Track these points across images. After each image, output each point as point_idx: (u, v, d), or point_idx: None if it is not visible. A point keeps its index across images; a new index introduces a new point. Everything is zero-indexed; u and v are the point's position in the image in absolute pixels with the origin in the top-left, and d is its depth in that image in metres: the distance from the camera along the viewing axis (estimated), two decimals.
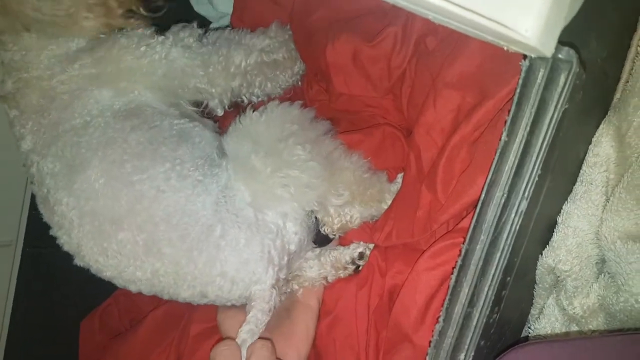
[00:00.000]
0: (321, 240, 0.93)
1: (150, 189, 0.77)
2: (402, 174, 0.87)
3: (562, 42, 0.44)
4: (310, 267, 0.88)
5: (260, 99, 1.00)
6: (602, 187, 0.70)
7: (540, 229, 0.69)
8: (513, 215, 0.50)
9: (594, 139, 0.71)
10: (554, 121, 0.47)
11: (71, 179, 0.77)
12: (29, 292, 1.24)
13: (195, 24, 0.94)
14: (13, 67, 0.84)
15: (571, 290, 0.70)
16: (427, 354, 0.54)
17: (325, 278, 0.89)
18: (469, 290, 0.53)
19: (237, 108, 0.99)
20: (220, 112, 0.97)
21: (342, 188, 0.85)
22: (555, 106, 0.47)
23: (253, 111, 0.85)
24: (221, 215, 0.79)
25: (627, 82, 0.71)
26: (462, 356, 0.53)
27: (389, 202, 0.87)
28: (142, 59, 0.84)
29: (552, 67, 0.47)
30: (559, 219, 0.70)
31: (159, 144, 0.80)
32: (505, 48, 0.44)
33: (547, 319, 0.75)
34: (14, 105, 0.83)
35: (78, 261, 0.80)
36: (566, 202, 0.71)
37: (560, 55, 0.46)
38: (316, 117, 0.88)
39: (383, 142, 0.90)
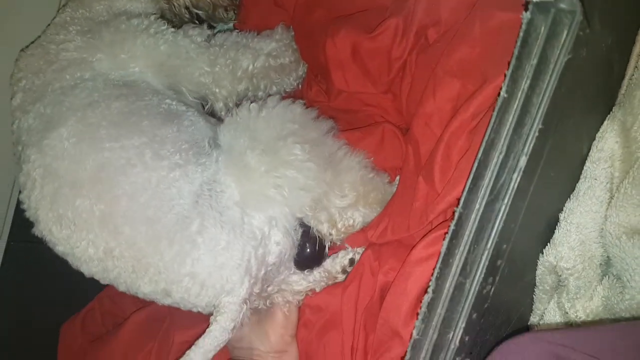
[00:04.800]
0: (304, 261, 0.85)
1: (119, 159, 0.72)
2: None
3: None
4: (297, 281, 0.82)
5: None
6: (607, 183, 0.68)
7: (541, 228, 0.66)
8: (512, 173, 0.47)
9: (597, 135, 0.69)
10: (555, 73, 0.45)
11: (43, 135, 0.74)
12: (11, 287, 1.20)
13: (205, 26, 0.95)
14: (47, 29, 0.85)
15: (574, 291, 0.67)
16: (414, 327, 0.50)
17: (314, 290, 0.84)
18: (460, 258, 0.49)
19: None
20: (224, 115, 0.95)
21: (348, 189, 0.81)
22: (557, 57, 0.45)
23: (251, 103, 0.82)
24: (202, 210, 0.72)
25: (632, 76, 0.70)
26: (451, 331, 0.49)
27: None
28: (147, 36, 0.84)
29: (554, 20, 0.46)
30: (561, 216, 0.67)
31: (142, 117, 0.76)
32: None
33: (548, 326, 0.70)
34: (17, 64, 0.83)
35: (35, 229, 0.75)
36: (569, 200, 0.68)
37: (562, 5, 0.45)
38: (318, 117, 0.85)
39: (383, 141, 0.88)
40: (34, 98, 0.79)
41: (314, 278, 0.83)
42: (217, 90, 0.92)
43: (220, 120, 0.93)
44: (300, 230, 0.81)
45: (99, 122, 0.74)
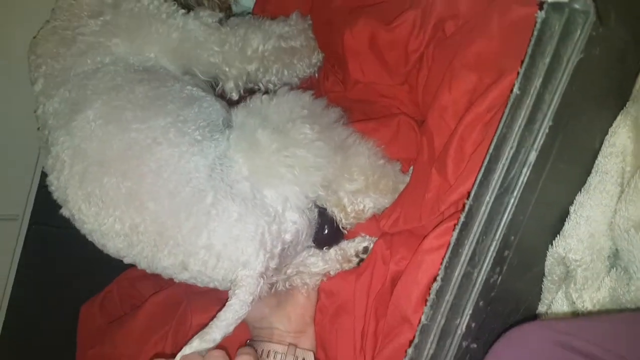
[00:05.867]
0: (324, 241, 0.89)
1: (145, 139, 0.74)
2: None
3: None
4: (314, 263, 0.85)
5: (276, 87, 0.99)
6: (617, 177, 0.69)
7: (551, 219, 0.67)
8: (522, 167, 0.49)
9: (610, 130, 0.70)
10: (567, 72, 0.47)
11: (71, 118, 0.76)
12: (32, 268, 1.23)
13: (217, 9, 0.96)
14: (55, 14, 0.86)
15: (581, 281, 0.68)
16: (423, 313, 0.52)
17: (328, 273, 0.86)
18: (469, 248, 0.51)
19: (252, 95, 1.00)
20: (235, 96, 0.97)
21: (357, 173, 0.83)
22: (570, 57, 0.47)
23: (263, 94, 0.85)
24: (214, 183, 0.74)
25: None
26: (459, 317, 0.51)
27: None
28: (160, 23, 0.86)
29: (568, 19, 0.47)
30: (572, 209, 0.68)
31: (167, 102, 0.79)
32: None
33: (555, 315, 0.72)
34: (34, 50, 0.84)
35: (64, 210, 0.78)
36: (579, 193, 0.69)
37: (576, 6, 0.46)
38: (328, 105, 0.87)
39: (398, 132, 0.89)
40: (57, 83, 0.81)
41: (330, 257, 0.85)
42: (227, 69, 0.93)
43: (231, 103, 0.95)
44: (316, 211, 0.84)
45: (124, 104, 0.76)
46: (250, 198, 0.75)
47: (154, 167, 0.73)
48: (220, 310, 0.72)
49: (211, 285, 0.77)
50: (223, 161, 0.76)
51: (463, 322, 0.50)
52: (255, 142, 0.77)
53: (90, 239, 0.78)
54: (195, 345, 0.68)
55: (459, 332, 0.50)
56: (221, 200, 0.73)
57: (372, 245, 0.85)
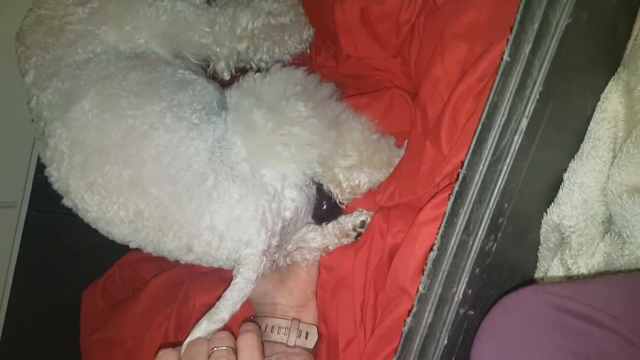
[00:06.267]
0: (323, 217, 0.90)
1: (142, 125, 0.75)
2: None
3: None
4: (313, 238, 0.86)
5: (268, 65, 0.98)
6: (610, 143, 0.69)
7: (545, 187, 0.68)
8: (514, 135, 0.49)
9: (602, 95, 0.70)
10: (556, 37, 0.47)
11: (66, 109, 0.76)
12: (32, 255, 1.23)
13: None
14: (38, 2, 0.85)
15: (576, 247, 0.69)
16: (420, 283, 0.53)
17: (327, 248, 0.87)
18: (464, 217, 0.51)
19: (244, 74, 0.99)
20: (227, 76, 0.96)
21: (350, 149, 0.83)
22: (558, 21, 0.47)
23: (255, 73, 0.85)
24: (215, 166, 0.75)
25: (638, 37, 0.70)
26: (455, 285, 0.52)
27: None
28: (148, 5, 0.85)
29: None
30: (565, 176, 0.69)
31: (159, 86, 0.79)
32: None
33: (551, 281, 0.73)
34: (23, 41, 0.84)
35: (65, 200, 0.79)
36: (572, 160, 0.69)
37: None
38: (321, 81, 0.87)
39: (391, 106, 0.89)
40: (48, 74, 0.80)
41: (328, 231, 0.86)
42: (217, 49, 0.92)
43: (223, 84, 0.95)
44: (314, 187, 0.85)
45: (118, 92, 0.76)
46: (249, 178, 0.76)
47: (154, 153, 0.74)
48: (225, 289, 0.73)
49: (216, 265, 0.79)
50: (222, 144, 0.77)
51: (460, 290, 0.50)
52: (252, 123, 0.78)
53: (94, 227, 0.79)
54: (204, 327, 0.69)
55: (456, 299, 0.50)
56: (222, 182, 0.74)
57: (369, 219, 0.85)
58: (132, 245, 0.79)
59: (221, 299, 0.72)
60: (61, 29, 0.82)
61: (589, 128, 0.70)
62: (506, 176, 0.50)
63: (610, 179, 0.68)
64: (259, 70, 0.92)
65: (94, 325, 1.17)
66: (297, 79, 0.84)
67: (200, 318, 0.94)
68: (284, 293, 0.85)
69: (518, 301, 0.48)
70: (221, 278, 1.02)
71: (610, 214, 0.69)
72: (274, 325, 0.81)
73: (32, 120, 0.83)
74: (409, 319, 0.53)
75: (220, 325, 0.71)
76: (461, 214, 0.52)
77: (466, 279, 0.50)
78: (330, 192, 0.89)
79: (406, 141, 0.89)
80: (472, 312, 0.52)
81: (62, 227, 1.07)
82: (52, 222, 1.17)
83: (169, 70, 0.83)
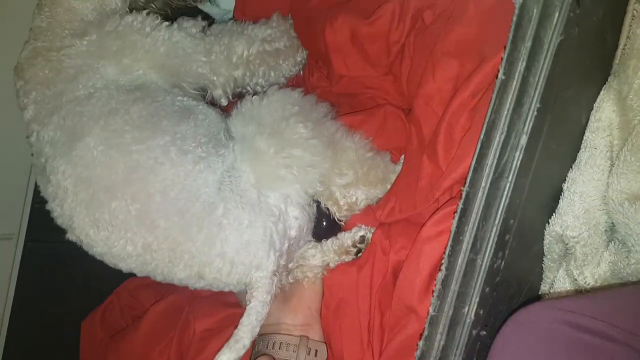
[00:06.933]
0: (323, 234, 0.91)
1: (147, 160, 0.75)
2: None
3: None
4: (313, 255, 0.86)
5: (264, 89, 0.99)
6: (607, 151, 0.69)
7: (546, 198, 0.68)
8: (515, 151, 0.49)
9: (595, 105, 0.70)
10: (550, 54, 0.47)
11: (70, 147, 0.77)
12: (30, 287, 1.22)
13: (199, 17, 0.95)
14: (34, 34, 0.85)
15: (581, 258, 0.69)
16: (430, 304, 0.52)
17: (328, 265, 0.87)
18: (470, 235, 0.51)
19: (241, 99, 0.99)
20: (224, 102, 0.97)
21: (346, 167, 0.84)
22: (550, 39, 0.47)
23: (252, 96, 0.86)
24: (224, 195, 0.77)
25: (625, 46, 0.71)
26: (466, 306, 0.51)
27: None
28: (146, 38, 0.85)
29: (546, 3, 0.47)
30: (564, 186, 0.69)
31: (161, 118, 0.79)
32: None
33: (558, 294, 0.73)
34: (21, 75, 0.83)
35: (70, 235, 0.79)
36: (571, 169, 0.70)
37: None
38: (317, 101, 0.88)
39: (385, 122, 0.89)
40: (49, 110, 0.80)
41: (327, 248, 0.86)
42: (214, 78, 0.93)
43: (222, 109, 0.96)
44: (314, 206, 0.87)
45: (122, 127, 0.77)
46: (257, 203, 0.78)
47: (160, 187, 0.75)
48: (242, 315, 0.75)
49: (226, 290, 0.80)
50: (232, 173, 0.79)
51: (471, 310, 0.50)
52: (256, 149, 0.80)
53: (100, 259, 0.80)
54: (227, 357, 0.70)
55: (467, 320, 0.50)
56: (232, 210, 0.76)
57: (369, 235, 0.86)
58: (141, 275, 0.80)
59: (240, 326, 0.74)
60: (60, 62, 0.82)
61: (584, 137, 0.70)
62: (510, 193, 0.50)
63: (610, 187, 0.68)
64: (255, 94, 0.92)
65: (94, 356, 1.16)
66: (294, 100, 0.85)
67: (201, 344, 0.94)
68: (287, 312, 0.85)
69: (529, 319, 0.48)
70: (221, 302, 1.02)
71: (612, 222, 0.69)
72: (281, 342, 0.81)
73: (32, 154, 0.83)
74: (421, 343, 0.52)
75: (243, 351, 0.72)
76: (467, 232, 0.52)
77: (477, 299, 0.50)
78: (328, 210, 0.90)
79: (402, 157, 0.89)
80: (484, 333, 0.52)
81: (59, 255, 1.08)
82: (49, 251, 1.17)
83: (168, 98, 0.84)
